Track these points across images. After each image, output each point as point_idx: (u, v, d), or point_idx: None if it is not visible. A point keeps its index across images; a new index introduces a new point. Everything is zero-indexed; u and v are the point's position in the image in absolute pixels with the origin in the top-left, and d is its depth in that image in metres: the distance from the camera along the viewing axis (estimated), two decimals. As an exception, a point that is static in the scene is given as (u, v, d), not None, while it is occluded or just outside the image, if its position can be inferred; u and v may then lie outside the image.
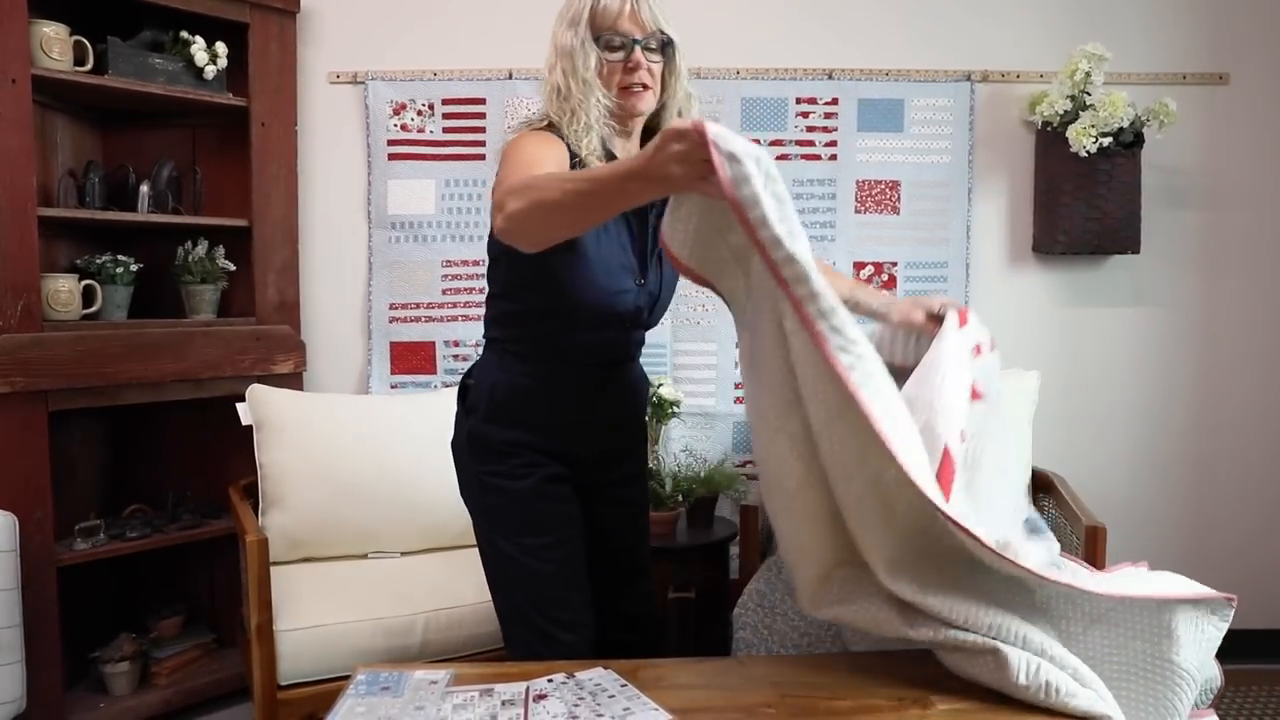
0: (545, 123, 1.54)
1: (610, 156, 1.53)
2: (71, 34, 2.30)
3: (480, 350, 1.69)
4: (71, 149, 2.53)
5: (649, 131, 1.60)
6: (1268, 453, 2.91)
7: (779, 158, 2.79)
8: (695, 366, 2.84)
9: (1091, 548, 1.97)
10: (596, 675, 1.34)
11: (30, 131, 2.19)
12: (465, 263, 2.80)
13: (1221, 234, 2.87)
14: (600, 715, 1.21)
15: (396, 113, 2.77)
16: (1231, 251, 2.88)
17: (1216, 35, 2.84)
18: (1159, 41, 2.84)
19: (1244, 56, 2.84)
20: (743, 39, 2.80)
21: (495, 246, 1.55)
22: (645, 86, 1.51)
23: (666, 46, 1.52)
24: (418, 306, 2.82)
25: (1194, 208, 2.86)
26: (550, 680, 1.32)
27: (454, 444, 1.65)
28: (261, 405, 2.37)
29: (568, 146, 1.49)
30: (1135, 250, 2.72)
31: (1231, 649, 2.82)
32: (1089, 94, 2.63)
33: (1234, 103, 2.84)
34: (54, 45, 2.26)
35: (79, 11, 2.40)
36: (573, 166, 1.48)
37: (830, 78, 2.79)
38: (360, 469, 2.36)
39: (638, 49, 1.49)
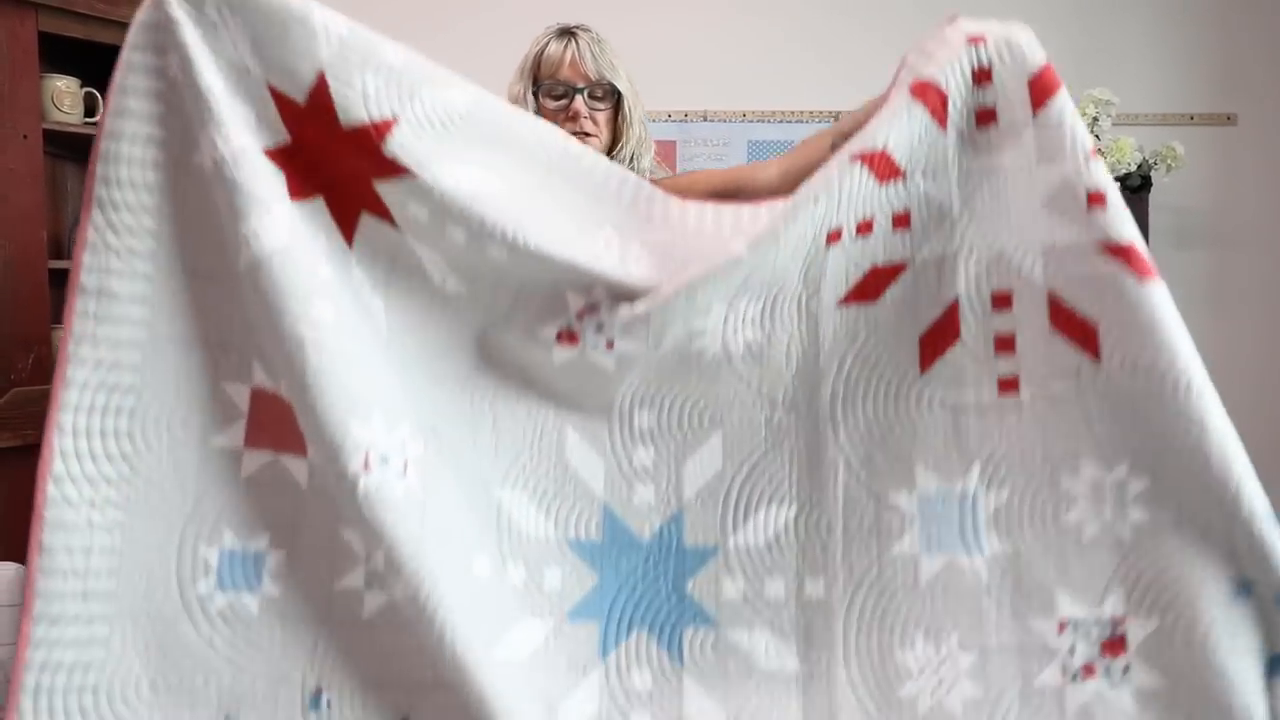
0: None
1: None
2: (81, 86, 2.33)
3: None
4: (81, 197, 2.54)
5: None
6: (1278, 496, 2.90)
7: (785, 200, 2.79)
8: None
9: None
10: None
11: (41, 186, 2.21)
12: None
13: (1229, 273, 2.87)
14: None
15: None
16: (1239, 291, 2.87)
17: (1224, 76, 2.84)
18: (1167, 82, 2.84)
19: (1251, 97, 2.84)
20: (749, 82, 2.81)
21: None
22: (587, 134, 1.51)
23: (613, 95, 1.54)
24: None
25: (1202, 248, 2.86)
26: None
27: None
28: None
29: None
30: (1143, 292, 2.72)
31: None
32: (1097, 138, 2.63)
33: (1241, 143, 2.85)
34: (64, 99, 2.28)
35: (89, 63, 2.42)
36: None
37: (836, 120, 2.79)
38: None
39: (579, 97, 1.50)
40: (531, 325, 1.08)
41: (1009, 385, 1.02)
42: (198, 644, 0.96)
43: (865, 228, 1.06)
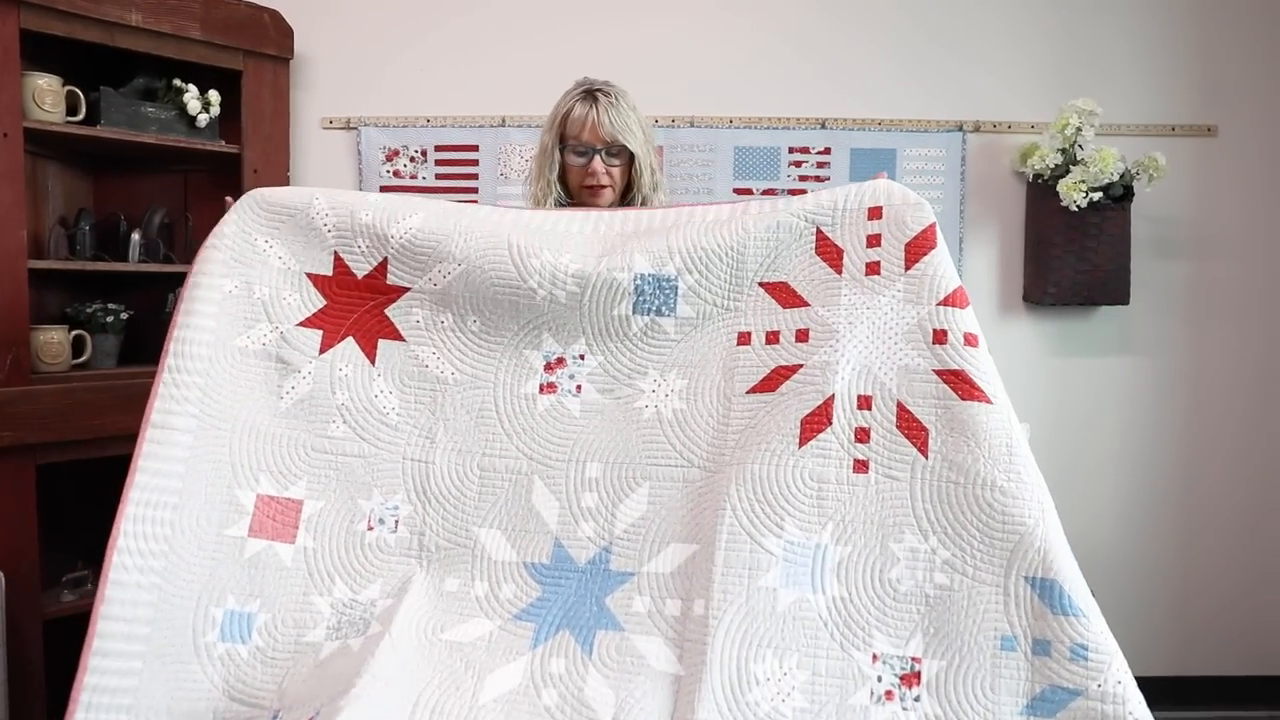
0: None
1: None
2: (64, 84, 2.30)
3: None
4: (63, 196, 2.52)
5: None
6: (1255, 501, 2.93)
7: (771, 206, 2.82)
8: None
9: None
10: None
11: (21, 185, 2.18)
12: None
13: (1209, 284, 2.90)
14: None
15: (389, 159, 2.77)
16: (1219, 301, 2.90)
17: (1205, 88, 2.87)
18: (1149, 93, 2.86)
19: (1232, 109, 2.87)
20: (736, 88, 2.81)
21: None
22: (602, 186, 1.83)
23: (625, 152, 1.84)
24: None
25: (1182, 258, 2.89)
26: None
27: None
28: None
29: None
30: (1124, 301, 2.74)
31: (1223, 695, 2.87)
32: (1080, 148, 2.65)
33: (1222, 154, 2.87)
34: (46, 97, 2.25)
35: (72, 61, 2.39)
36: None
37: (823, 127, 2.81)
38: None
39: (596, 158, 1.82)
40: (514, 386, 1.46)
41: (861, 466, 1.34)
42: (202, 679, 1.29)
43: (773, 338, 1.42)
